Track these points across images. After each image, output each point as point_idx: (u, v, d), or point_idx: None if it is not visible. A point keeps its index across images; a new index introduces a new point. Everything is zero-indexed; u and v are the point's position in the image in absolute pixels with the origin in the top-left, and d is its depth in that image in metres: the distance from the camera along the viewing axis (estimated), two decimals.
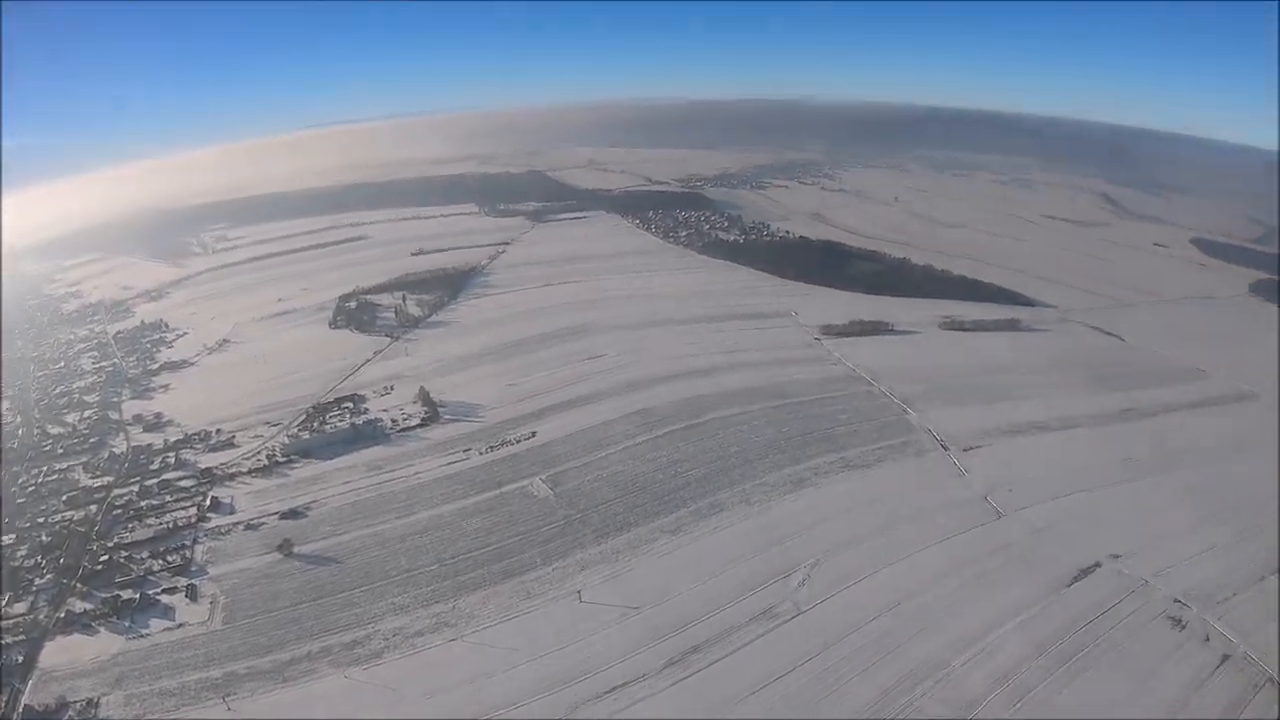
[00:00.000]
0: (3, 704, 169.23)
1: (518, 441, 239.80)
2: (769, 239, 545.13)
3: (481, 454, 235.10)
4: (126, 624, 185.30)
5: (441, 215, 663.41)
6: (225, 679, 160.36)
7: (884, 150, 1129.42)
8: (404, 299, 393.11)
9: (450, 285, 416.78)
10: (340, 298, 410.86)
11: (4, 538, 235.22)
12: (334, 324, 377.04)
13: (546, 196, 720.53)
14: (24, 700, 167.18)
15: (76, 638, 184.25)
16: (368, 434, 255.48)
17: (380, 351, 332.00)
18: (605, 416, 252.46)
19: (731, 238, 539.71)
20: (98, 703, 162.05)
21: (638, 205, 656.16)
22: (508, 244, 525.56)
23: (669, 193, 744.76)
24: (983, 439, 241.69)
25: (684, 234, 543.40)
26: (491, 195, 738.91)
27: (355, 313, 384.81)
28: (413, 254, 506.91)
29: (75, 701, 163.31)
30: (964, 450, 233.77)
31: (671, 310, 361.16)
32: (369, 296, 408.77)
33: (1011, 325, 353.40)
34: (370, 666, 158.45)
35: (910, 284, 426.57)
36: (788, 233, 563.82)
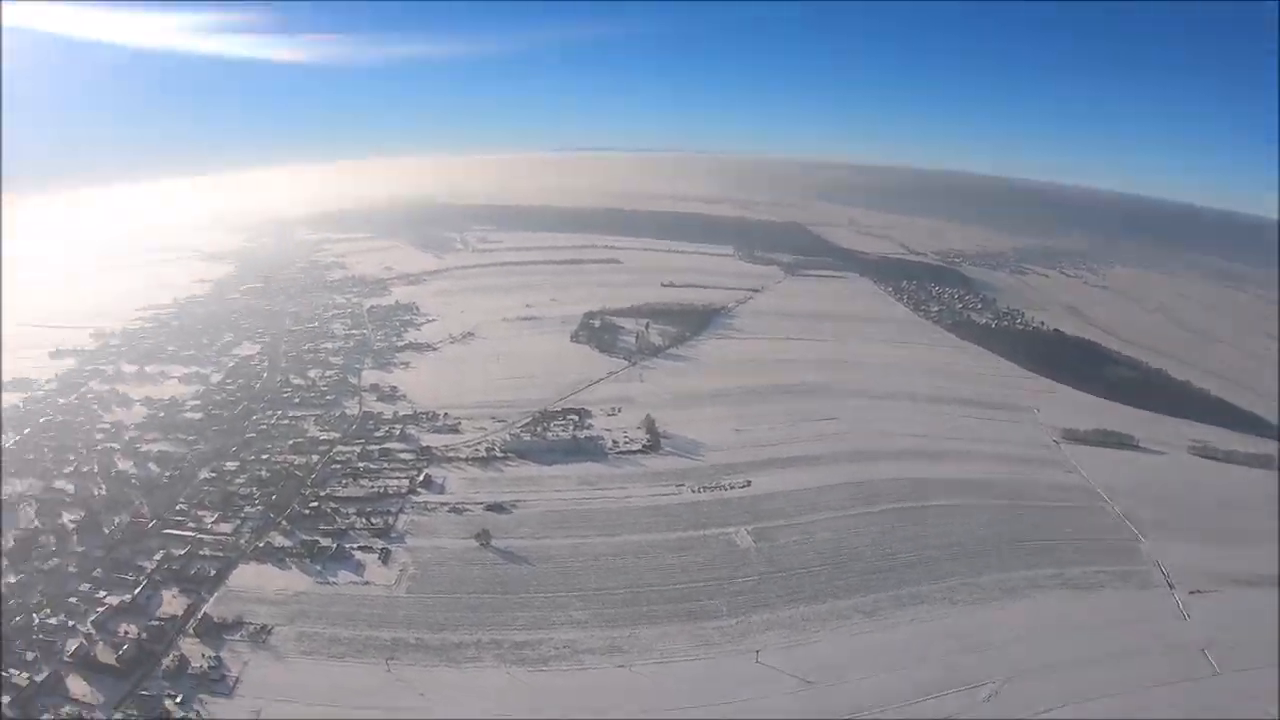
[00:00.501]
0: (186, 608, 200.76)
1: (731, 487, 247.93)
2: (1021, 327, 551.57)
3: (694, 492, 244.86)
4: (318, 568, 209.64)
5: (696, 252, 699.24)
6: (393, 643, 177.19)
7: (1151, 249, 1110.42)
8: (647, 326, 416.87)
9: (695, 321, 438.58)
10: (586, 314, 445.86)
11: (228, 464, 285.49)
12: (575, 338, 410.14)
13: (803, 250, 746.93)
14: (205, 609, 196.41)
15: (269, 568, 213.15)
16: (587, 449, 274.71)
17: (615, 373, 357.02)
18: (825, 480, 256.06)
19: (983, 320, 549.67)
20: (270, 630, 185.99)
21: (892, 272, 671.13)
22: (758, 290, 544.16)
23: (925, 264, 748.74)
24: (1214, 583, 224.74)
25: (935, 309, 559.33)
26: (749, 240, 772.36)
27: (598, 331, 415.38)
28: (663, 284, 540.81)
29: (251, 624, 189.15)
30: (1190, 592, 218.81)
31: (911, 385, 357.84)
32: (614, 318, 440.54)
33: (1267, 462, 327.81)
34: (534, 670, 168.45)
35: (1164, 398, 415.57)
36: (1042, 324, 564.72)
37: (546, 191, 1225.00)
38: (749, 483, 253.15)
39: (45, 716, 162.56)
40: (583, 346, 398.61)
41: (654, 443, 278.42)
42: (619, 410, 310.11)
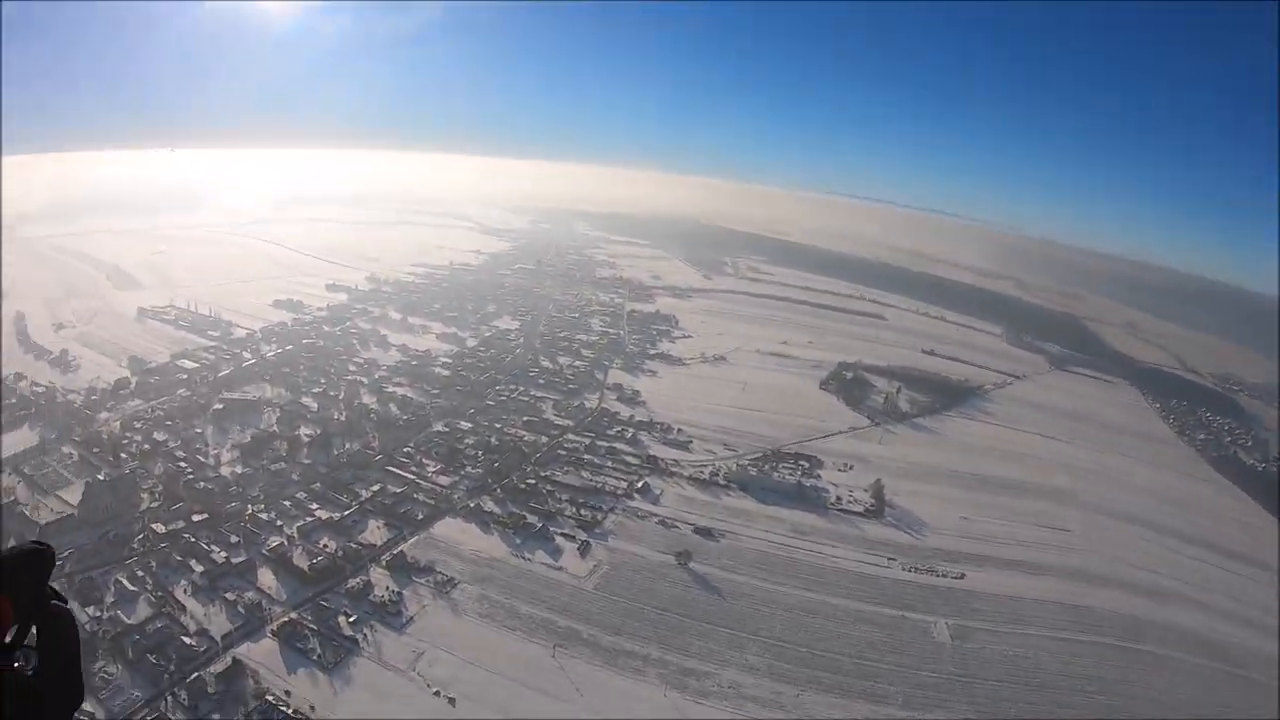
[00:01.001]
0: (386, 541, 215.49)
1: (943, 575, 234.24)
2: None
3: (904, 569, 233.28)
4: (517, 541, 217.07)
5: (962, 324, 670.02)
6: (566, 632, 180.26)
7: None
8: (898, 390, 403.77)
9: (948, 394, 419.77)
10: (840, 364, 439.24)
11: (462, 423, 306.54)
12: (825, 385, 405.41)
13: (1073, 345, 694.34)
14: (403, 547, 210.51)
15: (472, 528, 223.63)
16: (809, 498, 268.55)
17: (856, 429, 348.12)
18: (1041, 594, 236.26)
19: (1251, 460, 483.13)
20: (456, 585, 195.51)
21: (1163, 387, 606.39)
22: (1019, 377, 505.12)
23: (1200, 385, 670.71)
24: None
25: (1201, 437, 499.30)
26: (1019, 323, 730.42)
27: (848, 383, 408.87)
28: (923, 350, 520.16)
29: (441, 573, 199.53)
30: None
31: (1157, 514, 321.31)
32: (867, 374, 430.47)
33: None
34: (692, 700, 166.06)
35: None
36: None
37: (820, 234, 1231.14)
38: (963, 575, 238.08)
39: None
40: (830, 395, 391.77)
41: (877, 509, 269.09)
42: (850, 467, 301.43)
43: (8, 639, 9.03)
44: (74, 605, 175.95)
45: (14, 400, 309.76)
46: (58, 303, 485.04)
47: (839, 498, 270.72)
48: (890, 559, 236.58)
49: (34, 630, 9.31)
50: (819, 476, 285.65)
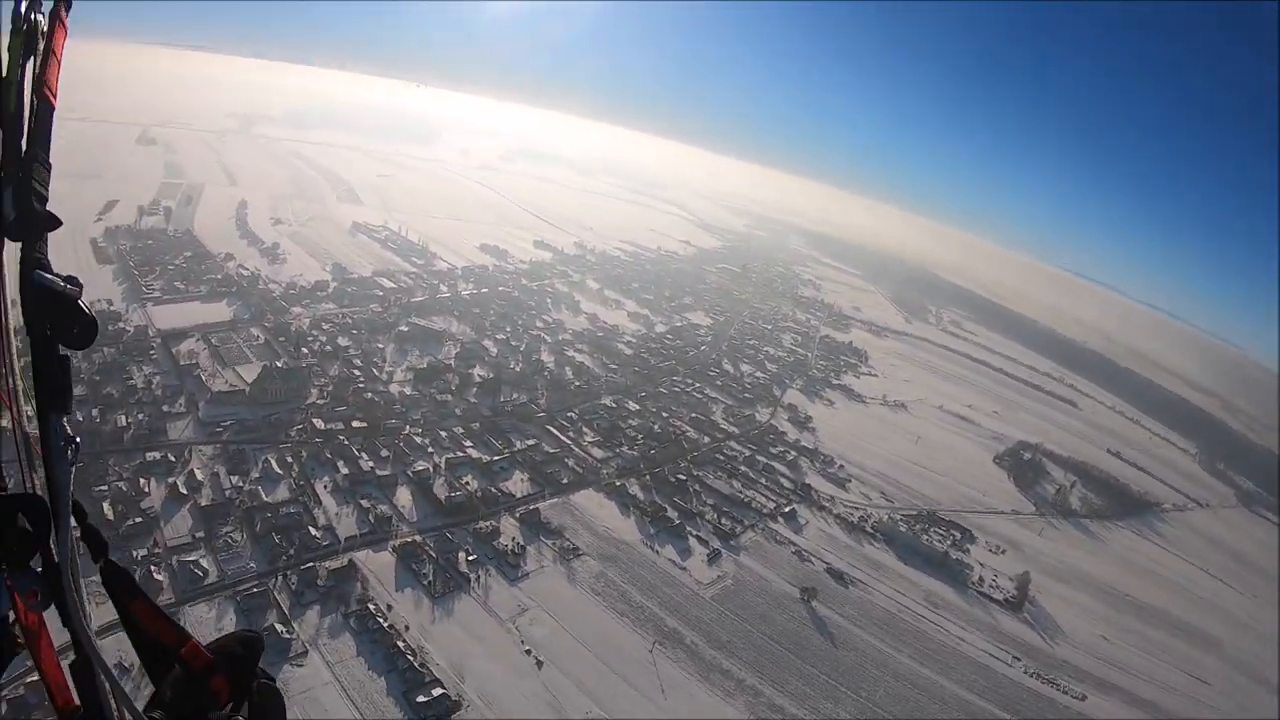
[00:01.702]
0: (525, 495, 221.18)
1: (1065, 692, 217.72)
2: None
3: (1026, 673, 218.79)
4: (651, 531, 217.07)
5: (1157, 433, 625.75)
6: (670, 633, 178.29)
7: None
8: (1073, 484, 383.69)
9: (1123, 503, 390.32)
10: (1020, 442, 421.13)
11: (630, 403, 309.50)
12: (998, 459, 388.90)
13: (1270, 486, 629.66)
14: (540, 506, 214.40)
15: (611, 506, 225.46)
16: (951, 570, 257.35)
17: (1019, 514, 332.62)
18: None
19: None
20: (579, 555, 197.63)
21: None
22: (1201, 505, 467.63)
23: None
24: None
25: None
26: (1217, 445, 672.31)
27: (1023, 463, 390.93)
28: (1109, 450, 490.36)
29: (569, 541, 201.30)
30: None
31: None
32: (1044, 459, 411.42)
33: None
34: None
35: None
36: None
37: (1033, 304, 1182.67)
38: (1084, 697, 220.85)
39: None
40: (1001, 471, 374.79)
41: (1018, 602, 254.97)
42: (1002, 551, 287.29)
43: (223, 713, 9.64)
44: (220, 471, 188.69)
45: (220, 276, 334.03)
46: (281, 200, 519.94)
47: (982, 579, 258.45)
48: (1016, 658, 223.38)
49: (245, 707, 9.83)
50: (967, 551, 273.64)
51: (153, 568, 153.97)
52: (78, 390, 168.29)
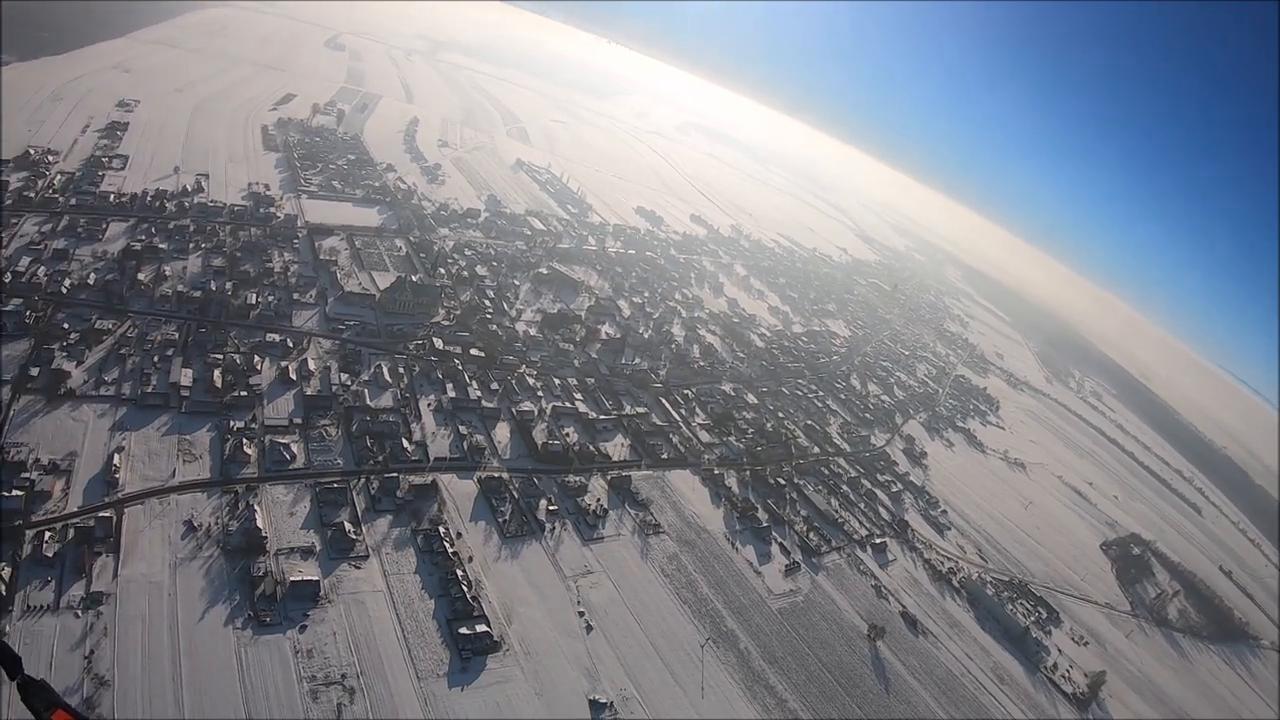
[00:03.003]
0: (623, 459, 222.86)
1: None
2: None
3: None
4: (737, 529, 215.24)
5: (1274, 562, 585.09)
6: (727, 634, 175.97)
7: None
8: (1175, 594, 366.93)
9: (1221, 626, 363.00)
10: (1132, 535, 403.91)
11: (749, 395, 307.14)
12: (1105, 547, 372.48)
13: None
14: (634, 475, 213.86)
15: (704, 493, 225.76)
16: (1028, 648, 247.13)
17: (1113, 608, 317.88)
18: None
19: None
20: (659, 531, 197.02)
21: None
22: None
23: None
24: None
25: None
26: None
27: (1130, 557, 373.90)
28: (1221, 567, 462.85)
29: (652, 515, 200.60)
30: None
31: None
32: (1153, 558, 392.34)
33: None
34: None
35: None
36: None
37: (1181, 396, 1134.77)
38: None
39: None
40: (1106, 560, 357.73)
41: (1086, 700, 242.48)
42: (1085, 643, 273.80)
43: None
44: (333, 366, 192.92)
45: (377, 184, 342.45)
46: (451, 124, 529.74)
47: (1056, 665, 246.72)
48: None
49: None
50: (1049, 633, 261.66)
51: (245, 441, 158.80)
52: (217, 261, 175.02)
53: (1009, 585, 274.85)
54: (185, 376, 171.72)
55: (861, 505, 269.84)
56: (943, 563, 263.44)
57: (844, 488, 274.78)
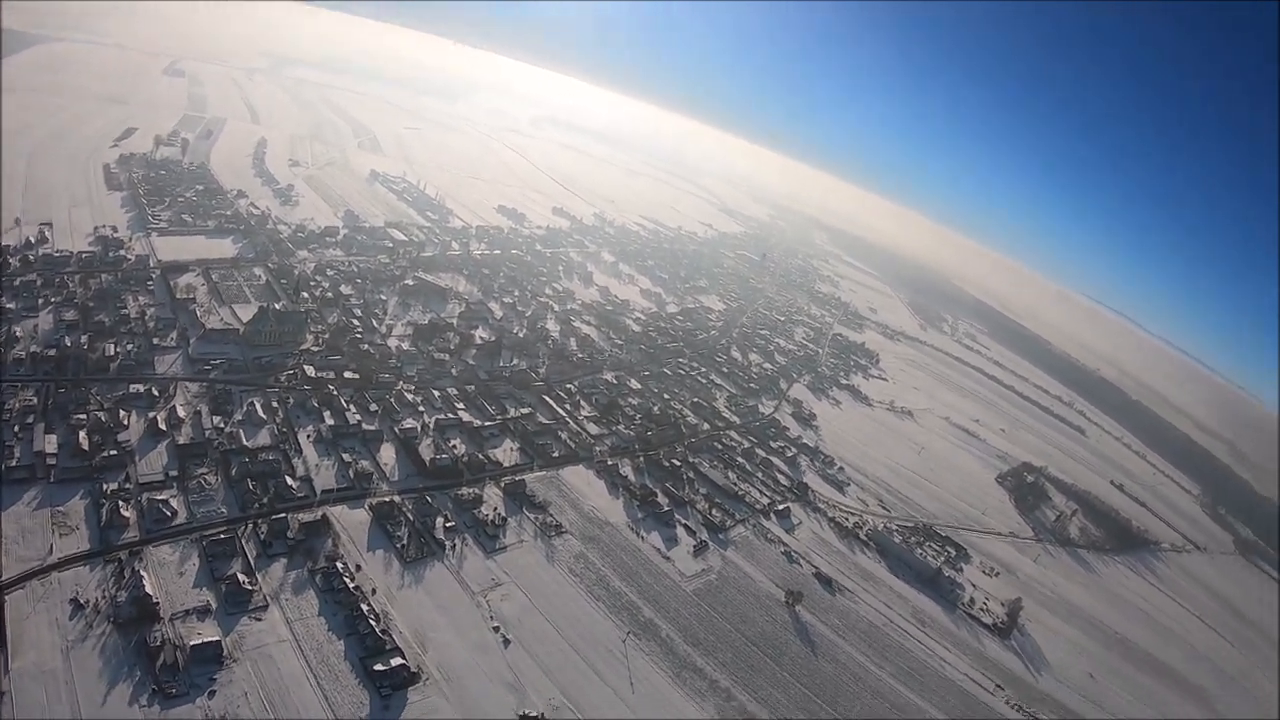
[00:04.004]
0: (513, 465, 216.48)
1: None
2: None
3: (1007, 704, 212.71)
4: (639, 516, 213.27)
5: (1162, 470, 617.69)
6: (646, 624, 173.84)
7: None
8: (1074, 513, 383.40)
9: (1120, 537, 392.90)
10: (1024, 464, 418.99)
11: (632, 381, 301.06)
12: (1001, 480, 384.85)
13: (1270, 537, 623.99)
14: (528, 478, 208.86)
15: (600, 485, 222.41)
16: (942, 589, 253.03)
17: (1016, 536, 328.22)
18: None
19: None
20: (562, 533, 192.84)
21: None
22: (1200, 548, 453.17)
23: None
24: None
25: None
26: (1221, 491, 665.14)
27: (1025, 485, 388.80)
28: (1112, 482, 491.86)
29: (553, 517, 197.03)
30: None
31: None
32: (1047, 484, 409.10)
33: None
34: None
35: None
36: None
37: (1051, 326, 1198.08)
38: None
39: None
40: (1003, 492, 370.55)
41: (1006, 629, 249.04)
42: (996, 574, 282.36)
43: None
44: (203, 410, 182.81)
45: (229, 213, 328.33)
46: (301, 142, 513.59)
47: (973, 600, 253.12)
48: (999, 687, 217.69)
49: None
50: (961, 570, 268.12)
51: (121, 503, 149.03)
52: (69, 315, 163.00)
53: (915, 530, 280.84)
54: (49, 443, 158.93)
55: (759, 475, 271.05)
56: (847, 518, 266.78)
57: (739, 460, 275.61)
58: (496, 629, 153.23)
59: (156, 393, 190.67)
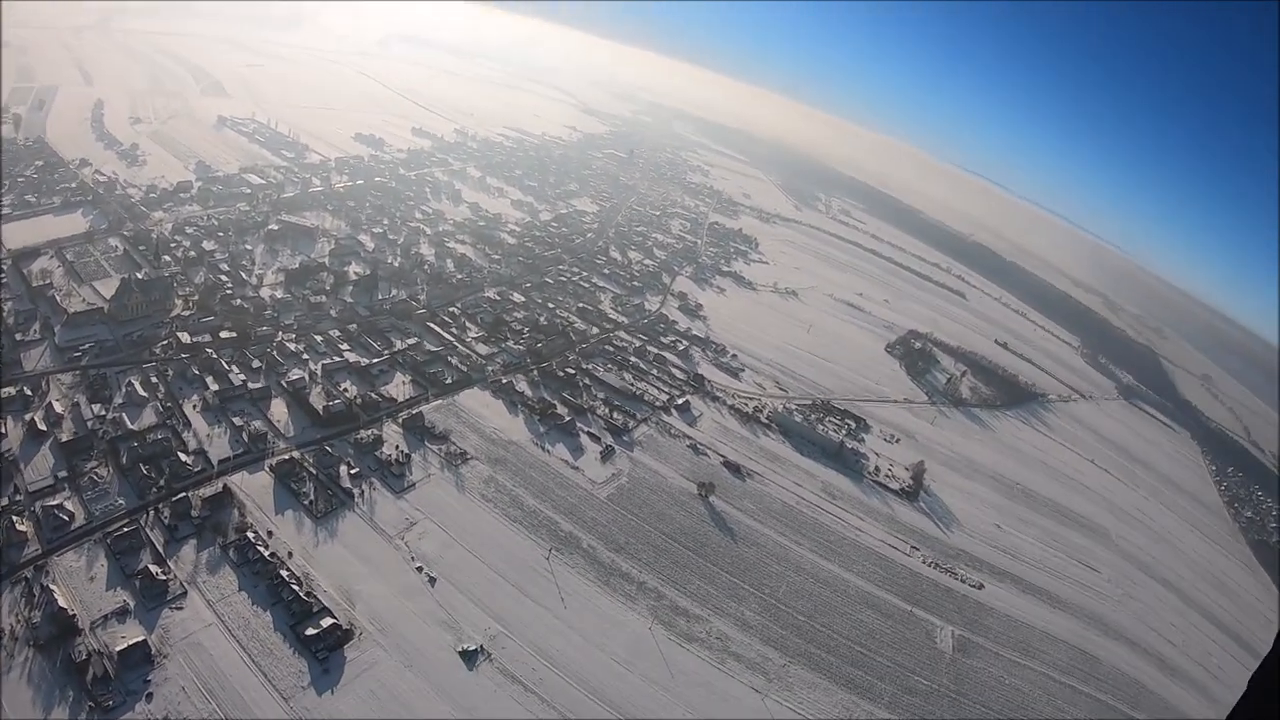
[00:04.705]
0: (408, 399, 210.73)
1: (961, 580, 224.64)
2: None
3: (924, 563, 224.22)
4: (541, 430, 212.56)
5: (1043, 326, 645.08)
6: (566, 538, 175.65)
7: None
8: (963, 374, 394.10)
9: (1010, 394, 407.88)
10: (910, 331, 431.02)
11: (515, 295, 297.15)
12: (890, 349, 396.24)
13: (1147, 380, 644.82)
14: (424, 410, 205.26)
15: (499, 405, 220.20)
16: (848, 461, 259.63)
17: (911, 402, 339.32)
18: (1055, 630, 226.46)
19: None
20: (468, 460, 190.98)
21: (1223, 451, 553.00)
22: (1084, 396, 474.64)
23: (1259, 462, 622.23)
24: None
25: (1247, 515, 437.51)
26: (1099, 342, 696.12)
27: (914, 353, 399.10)
28: (996, 341, 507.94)
29: (456, 446, 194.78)
30: None
31: (1187, 585, 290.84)
32: (935, 348, 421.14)
33: None
34: (674, 641, 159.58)
35: None
36: None
37: (921, 196, 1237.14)
38: (982, 586, 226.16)
39: None
40: (893, 360, 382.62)
41: (914, 491, 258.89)
42: (897, 440, 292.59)
43: None
44: (81, 400, 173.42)
45: (74, 185, 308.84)
46: (140, 97, 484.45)
47: (878, 469, 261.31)
48: (914, 548, 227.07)
49: None
50: (863, 441, 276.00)
51: (14, 518, 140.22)
52: None
53: (814, 407, 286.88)
54: None
55: (654, 372, 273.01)
56: (746, 404, 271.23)
57: (633, 359, 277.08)
58: (420, 569, 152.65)
59: (29, 392, 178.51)
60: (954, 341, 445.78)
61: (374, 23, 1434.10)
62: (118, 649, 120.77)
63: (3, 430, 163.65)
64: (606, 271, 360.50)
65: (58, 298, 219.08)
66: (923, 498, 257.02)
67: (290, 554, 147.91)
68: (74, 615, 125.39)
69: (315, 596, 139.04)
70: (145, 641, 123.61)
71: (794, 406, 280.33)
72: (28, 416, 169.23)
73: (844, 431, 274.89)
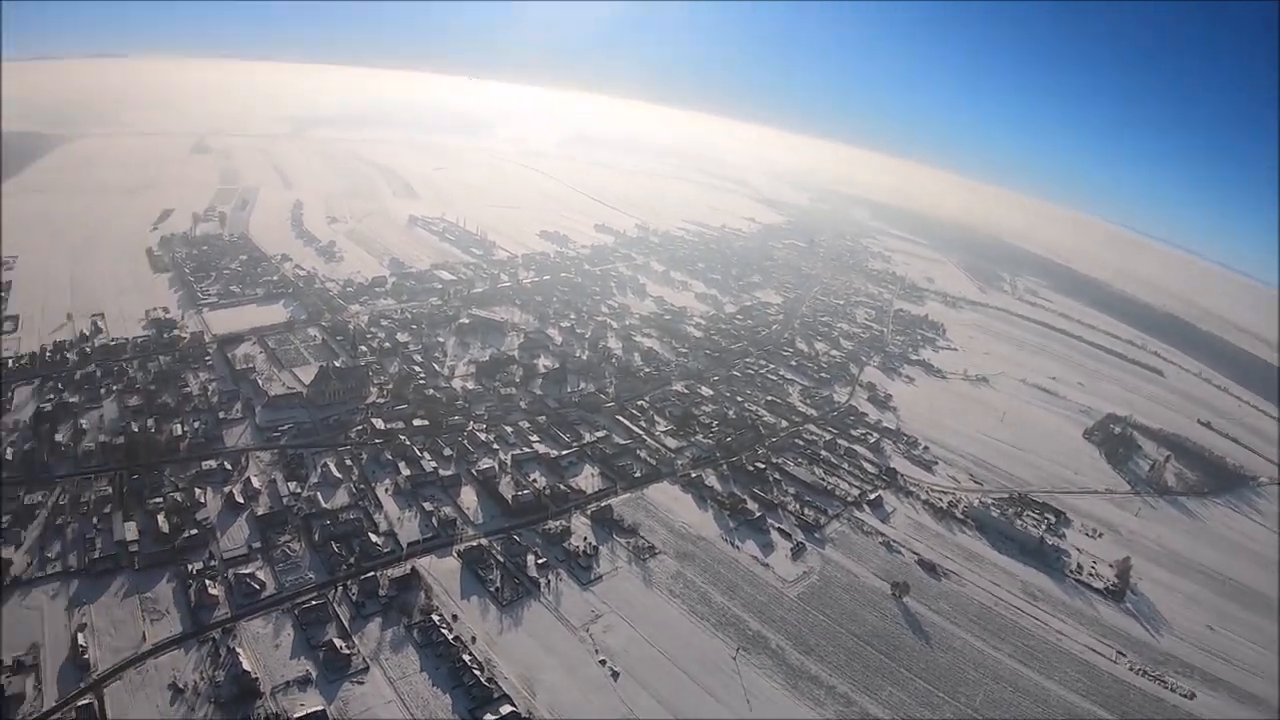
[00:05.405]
0: (597, 491, 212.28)
1: (1171, 689, 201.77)
2: None
3: (1131, 669, 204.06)
4: (731, 526, 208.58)
5: (1246, 401, 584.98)
6: (755, 637, 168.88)
7: None
8: (1167, 459, 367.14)
9: (1218, 477, 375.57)
10: (1109, 415, 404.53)
11: (703, 388, 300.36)
12: (1089, 435, 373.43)
13: None
14: (613, 502, 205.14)
15: (687, 500, 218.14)
16: (1048, 558, 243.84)
17: (1114, 493, 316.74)
18: None
19: None
20: (656, 554, 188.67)
21: None
22: None
23: None
24: None
25: None
26: None
27: (1114, 437, 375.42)
28: (1199, 421, 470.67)
29: (644, 539, 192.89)
30: None
31: None
32: (1136, 432, 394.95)
33: None
34: None
35: None
36: None
37: (1104, 266, 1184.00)
38: (1193, 695, 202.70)
39: None
40: (1092, 448, 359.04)
41: (1119, 591, 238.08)
42: (1099, 535, 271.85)
43: None
44: (278, 477, 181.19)
45: (276, 278, 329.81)
46: (335, 198, 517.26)
47: (1080, 566, 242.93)
48: (1120, 653, 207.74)
49: None
50: (1063, 536, 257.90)
51: (208, 582, 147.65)
52: (133, 400, 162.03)
53: (1011, 501, 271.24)
54: (130, 530, 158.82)
55: (845, 465, 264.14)
56: (941, 498, 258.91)
57: (823, 453, 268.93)
58: (603, 662, 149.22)
59: (229, 466, 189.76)
60: (1155, 424, 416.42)
61: (551, 126, 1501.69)
62: (296, 715, 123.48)
63: (203, 500, 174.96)
64: (794, 363, 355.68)
65: (259, 381, 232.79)
66: (1129, 597, 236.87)
67: (474, 639, 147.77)
68: (257, 678, 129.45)
69: (496, 683, 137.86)
70: (324, 711, 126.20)
71: (990, 500, 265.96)
72: (227, 489, 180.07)
73: (1043, 526, 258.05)
